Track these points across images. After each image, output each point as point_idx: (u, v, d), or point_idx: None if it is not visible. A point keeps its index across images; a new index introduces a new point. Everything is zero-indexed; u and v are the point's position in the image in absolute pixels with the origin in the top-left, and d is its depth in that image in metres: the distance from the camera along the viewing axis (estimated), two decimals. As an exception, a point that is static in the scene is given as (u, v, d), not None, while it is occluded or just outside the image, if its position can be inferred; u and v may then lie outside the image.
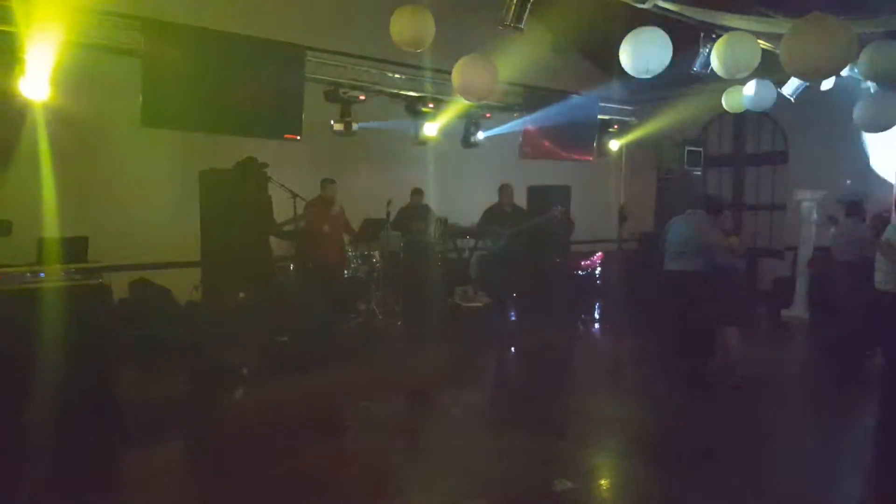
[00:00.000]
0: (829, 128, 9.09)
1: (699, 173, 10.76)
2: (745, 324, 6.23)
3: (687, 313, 6.18)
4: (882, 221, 6.92)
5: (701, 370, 6.14)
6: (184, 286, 7.51)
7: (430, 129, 8.94)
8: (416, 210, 8.87)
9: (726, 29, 5.56)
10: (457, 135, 9.55)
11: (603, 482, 4.32)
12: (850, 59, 3.88)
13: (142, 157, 7.25)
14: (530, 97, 9.46)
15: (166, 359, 6.80)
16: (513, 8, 5.11)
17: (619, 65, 5.50)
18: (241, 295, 6.95)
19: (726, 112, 8.19)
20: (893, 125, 6.40)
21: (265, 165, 7.34)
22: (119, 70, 6.31)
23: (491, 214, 8.70)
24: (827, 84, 6.48)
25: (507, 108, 9.55)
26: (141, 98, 5.97)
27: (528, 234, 8.71)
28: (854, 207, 7.53)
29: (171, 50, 6.16)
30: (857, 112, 6.51)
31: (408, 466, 4.41)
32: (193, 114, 6.42)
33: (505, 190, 8.73)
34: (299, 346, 7.14)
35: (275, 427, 5.09)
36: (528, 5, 5.11)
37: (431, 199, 9.18)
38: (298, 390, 6.04)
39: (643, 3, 5.32)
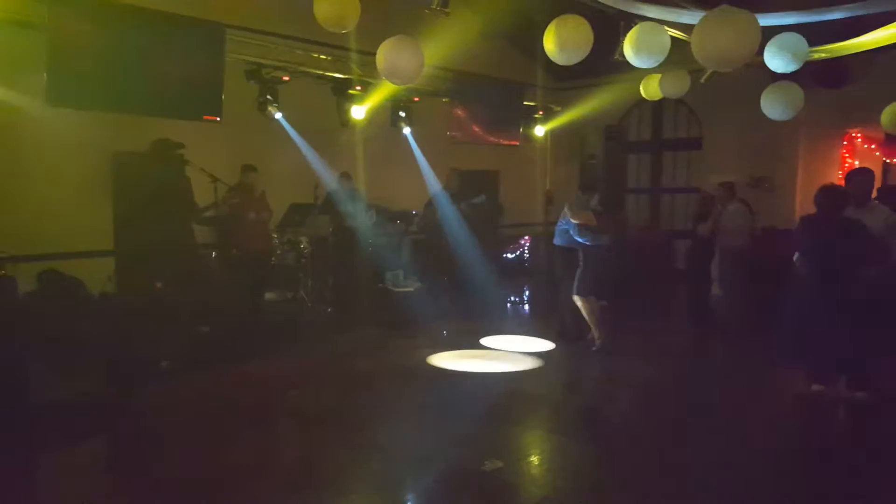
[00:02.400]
0: (740, 115, 9.56)
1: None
2: (606, 296, 6.90)
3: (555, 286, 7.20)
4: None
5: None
6: (97, 277, 7.15)
7: (358, 111, 8.85)
8: (344, 194, 8.78)
9: (644, 18, 5.75)
10: (386, 117, 9.52)
11: (533, 459, 4.45)
12: (755, 50, 4.12)
13: (49, 140, 6.80)
14: (458, 82, 9.50)
15: (80, 354, 6.45)
16: (439, -9, 5.12)
17: (544, 51, 5.61)
18: (159, 285, 6.68)
19: (645, 99, 8.49)
20: (795, 112, 6.84)
21: (181, 146, 7.06)
22: (22, 44, 5.92)
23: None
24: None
25: (436, 93, 9.57)
26: (46, 75, 5.61)
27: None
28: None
29: (78, 24, 5.79)
30: (764, 101, 6.92)
31: (339, 453, 4.40)
32: (104, 93, 6.10)
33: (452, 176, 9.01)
34: (223, 336, 6.95)
35: (198, 420, 4.96)
36: (454, -11, 5.13)
37: (360, 183, 9.11)
38: (222, 382, 5.89)
39: (566, -9, 5.45)
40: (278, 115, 7.95)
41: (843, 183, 6.46)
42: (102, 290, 7.21)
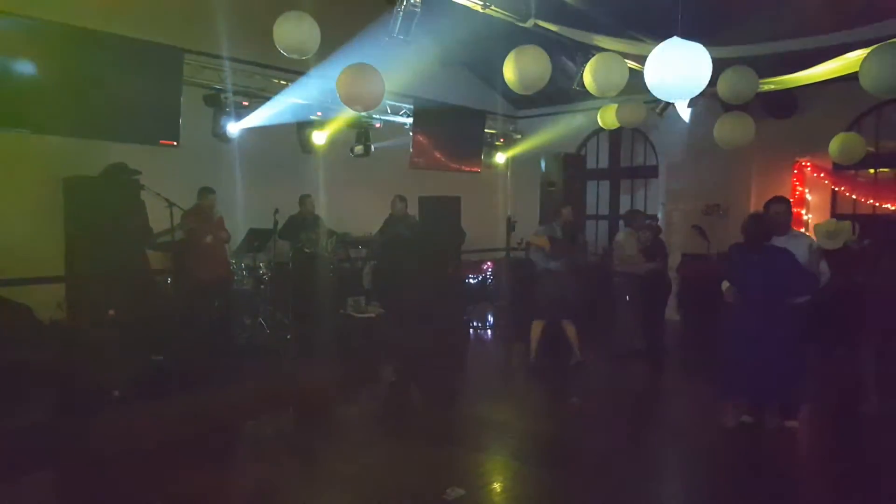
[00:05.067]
0: (694, 144, 9.84)
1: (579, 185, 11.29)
2: (565, 318, 7.01)
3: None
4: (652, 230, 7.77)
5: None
6: (47, 303, 6.88)
7: (319, 137, 8.83)
8: (305, 219, 8.69)
9: (600, 50, 5.90)
10: (347, 143, 9.51)
11: (495, 487, 4.40)
12: (706, 81, 4.24)
13: (-4, 163, 6.61)
14: (420, 109, 9.57)
15: (28, 383, 6.18)
16: (399, 20, 5.17)
17: (504, 80, 5.70)
18: (111, 312, 6.46)
19: (602, 128, 8.67)
20: (748, 142, 7.07)
21: (137, 172, 6.91)
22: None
23: (386, 226, 8.88)
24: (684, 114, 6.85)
25: (397, 120, 9.62)
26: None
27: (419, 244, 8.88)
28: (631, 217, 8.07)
29: (28, 47, 5.68)
30: (717, 131, 7.14)
31: (299, 484, 4.29)
32: (57, 116, 5.99)
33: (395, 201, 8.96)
34: (179, 365, 6.75)
35: (153, 453, 4.77)
36: (415, 18, 5.20)
37: (322, 209, 9.04)
38: (177, 412, 5.70)
39: (525, 22, 5.56)
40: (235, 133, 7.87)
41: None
42: (52, 317, 6.95)
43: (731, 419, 5.16)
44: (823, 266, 5.10)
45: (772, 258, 4.82)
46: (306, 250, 8.54)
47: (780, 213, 5.20)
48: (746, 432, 5.13)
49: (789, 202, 5.41)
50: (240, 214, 8.08)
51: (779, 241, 4.95)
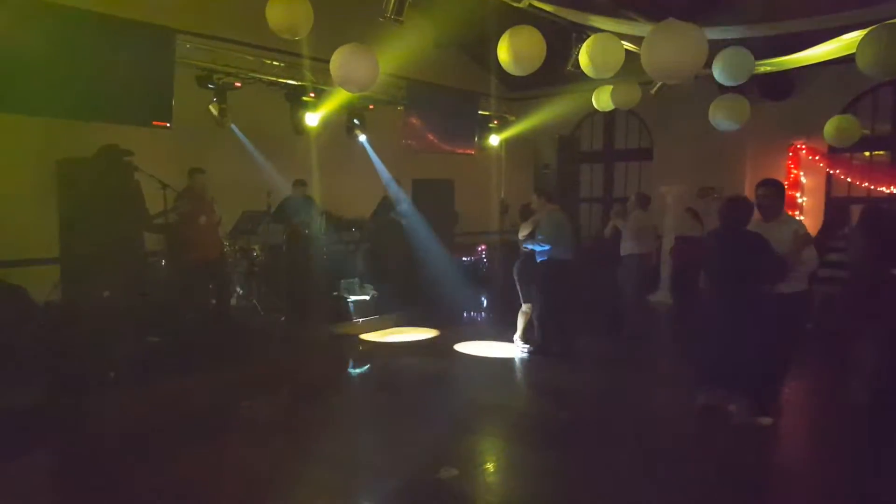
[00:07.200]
0: (689, 126, 9.81)
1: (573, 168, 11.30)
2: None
3: None
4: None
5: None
6: (42, 285, 6.86)
7: (312, 119, 8.77)
8: (298, 202, 8.66)
9: (595, 30, 5.85)
10: (340, 125, 9.45)
11: (488, 466, 4.45)
12: (702, 62, 4.21)
13: (-12, 145, 6.54)
14: (413, 90, 9.51)
15: (22, 364, 6.17)
16: (392, 0, 5.10)
17: (498, 61, 5.65)
18: (106, 293, 6.45)
19: (597, 110, 8.64)
20: (742, 123, 7.05)
21: (129, 153, 6.86)
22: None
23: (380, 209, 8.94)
24: None
25: (391, 101, 9.55)
26: (-16, 79, 5.40)
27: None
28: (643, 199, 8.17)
29: (20, 27, 5.60)
30: (712, 113, 7.12)
31: (293, 466, 4.32)
32: (49, 98, 5.89)
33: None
34: (173, 346, 6.75)
35: (147, 433, 4.80)
36: (408, -1, 5.13)
37: (315, 191, 9.01)
38: (172, 393, 5.72)
39: (519, 2, 5.50)
40: (233, 126, 7.85)
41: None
42: (47, 298, 6.93)
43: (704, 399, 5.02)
44: (808, 254, 4.82)
45: (744, 244, 4.63)
46: (305, 231, 8.53)
47: (763, 197, 4.93)
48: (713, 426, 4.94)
49: (778, 185, 5.10)
50: (233, 196, 8.03)
51: (765, 227, 4.76)
